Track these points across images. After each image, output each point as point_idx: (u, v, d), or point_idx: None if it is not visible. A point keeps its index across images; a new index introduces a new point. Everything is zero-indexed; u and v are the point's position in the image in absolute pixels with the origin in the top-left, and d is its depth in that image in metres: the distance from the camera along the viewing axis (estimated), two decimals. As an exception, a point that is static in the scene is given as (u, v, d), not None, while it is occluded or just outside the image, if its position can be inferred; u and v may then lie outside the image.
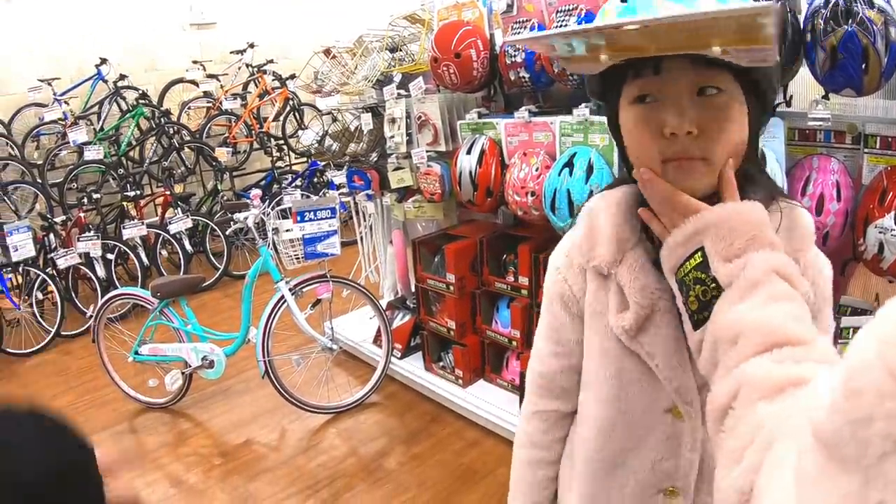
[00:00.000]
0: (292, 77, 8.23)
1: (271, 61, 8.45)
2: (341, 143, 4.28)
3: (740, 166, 0.99)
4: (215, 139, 8.21)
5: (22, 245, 5.90)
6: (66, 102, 7.51)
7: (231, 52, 8.55)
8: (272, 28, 9.12)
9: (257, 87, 8.37)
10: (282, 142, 8.31)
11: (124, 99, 7.86)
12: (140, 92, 7.82)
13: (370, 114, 4.01)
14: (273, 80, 8.38)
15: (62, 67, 7.84)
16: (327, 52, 4.31)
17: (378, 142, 4.09)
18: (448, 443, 3.80)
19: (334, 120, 4.49)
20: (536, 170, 3.09)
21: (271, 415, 4.20)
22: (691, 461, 1.16)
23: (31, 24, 7.77)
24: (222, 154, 7.29)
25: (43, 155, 7.49)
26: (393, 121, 3.76)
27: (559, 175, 2.91)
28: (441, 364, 4.10)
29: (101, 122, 7.78)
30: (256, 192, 3.66)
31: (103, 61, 7.83)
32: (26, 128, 7.62)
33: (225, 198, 7.11)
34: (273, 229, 3.61)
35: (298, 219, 3.49)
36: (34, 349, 6.01)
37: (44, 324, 6.17)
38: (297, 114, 8.43)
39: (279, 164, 7.90)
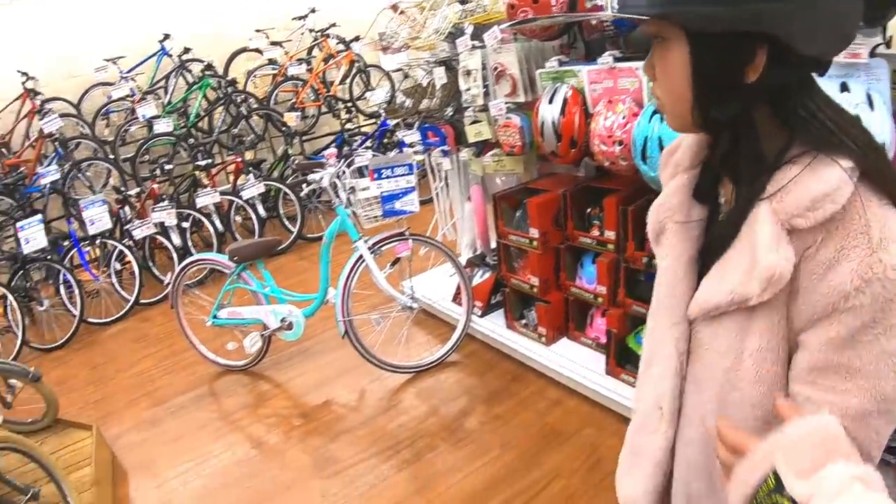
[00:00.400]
0: (356, 39, 8.10)
1: (334, 25, 8.32)
2: (414, 99, 4.15)
3: (783, 109, 0.97)
4: (282, 105, 8.14)
5: (98, 218, 5.97)
6: (132, 79, 7.56)
7: (293, 19, 8.47)
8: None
9: (321, 51, 8.27)
10: (350, 104, 8.22)
11: (190, 72, 7.89)
12: (205, 63, 7.84)
13: (443, 67, 3.86)
14: (337, 43, 8.27)
15: (127, 46, 7.88)
16: (394, 7, 4.18)
17: (452, 96, 3.95)
18: (531, 402, 3.68)
19: (406, 77, 4.36)
20: (623, 118, 2.89)
21: (351, 375, 4.15)
22: (675, 385, 1.15)
23: (94, 6, 7.83)
24: (291, 119, 7.25)
25: (113, 131, 7.57)
26: (468, 73, 3.61)
27: (649, 122, 2.72)
28: (523, 322, 3.97)
29: (168, 96, 7.83)
30: (331, 150, 3.57)
31: (166, 37, 7.86)
32: (95, 106, 7.72)
33: (296, 161, 7.06)
34: (349, 188, 3.53)
35: (375, 176, 3.39)
36: (114, 318, 6.10)
37: (122, 293, 6.26)
38: (363, 76, 8.30)
39: (348, 126, 7.83)
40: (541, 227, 3.54)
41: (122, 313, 6.13)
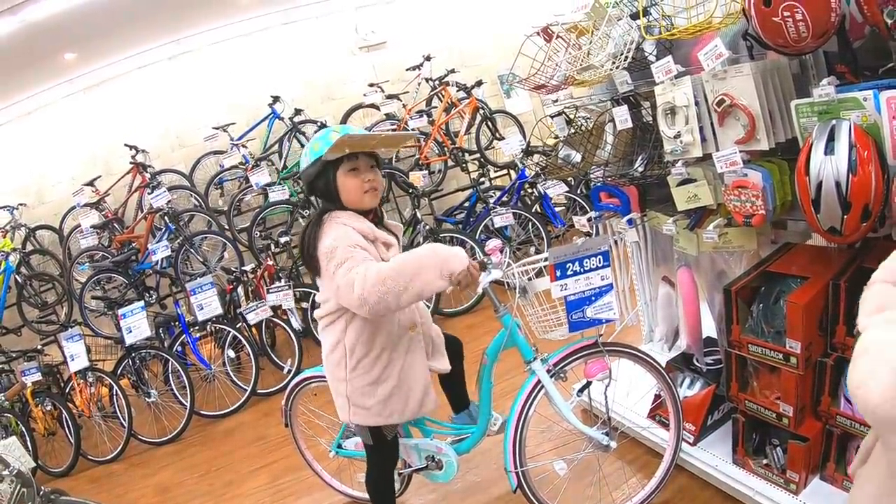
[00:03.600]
0: (478, 84, 7.07)
1: (452, 71, 7.32)
2: (583, 151, 2.99)
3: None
4: (405, 162, 7.20)
5: (207, 303, 5.12)
6: (244, 146, 6.86)
7: (407, 69, 7.56)
8: (447, 36, 8.11)
9: (441, 100, 7.28)
10: (479, 156, 7.15)
11: (304, 133, 7.08)
12: (319, 124, 7.01)
13: (625, 106, 2.70)
14: (457, 90, 7.26)
15: (236, 112, 7.29)
16: (546, 33, 3.03)
17: (639, 144, 2.78)
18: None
19: (569, 122, 3.20)
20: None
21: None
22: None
23: (203, 75, 7.30)
24: (417, 179, 6.16)
25: (228, 201, 6.83)
26: (672, 112, 2.43)
27: None
28: (763, 461, 2.67)
29: (282, 161, 7.06)
30: (495, 243, 2.42)
31: (276, 99, 7.14)
32: (208, 176, 7.07)
33: (427, 227, 6.00)
34: (519, 289, 2.37)
35: (558, 274, 2.23)
36: (229, 409, 5.20)
37: (238, 382, 5.36)
38: (489, 123, 7.24)
39: (480, 180, 6.65)
40: (804, 339, 2.26)
41: (237, 405, 5.22)
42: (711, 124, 2.35)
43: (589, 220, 3.17)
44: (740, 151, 2.27)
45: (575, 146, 3.15)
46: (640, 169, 2.75)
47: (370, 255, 2.16)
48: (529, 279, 2.39)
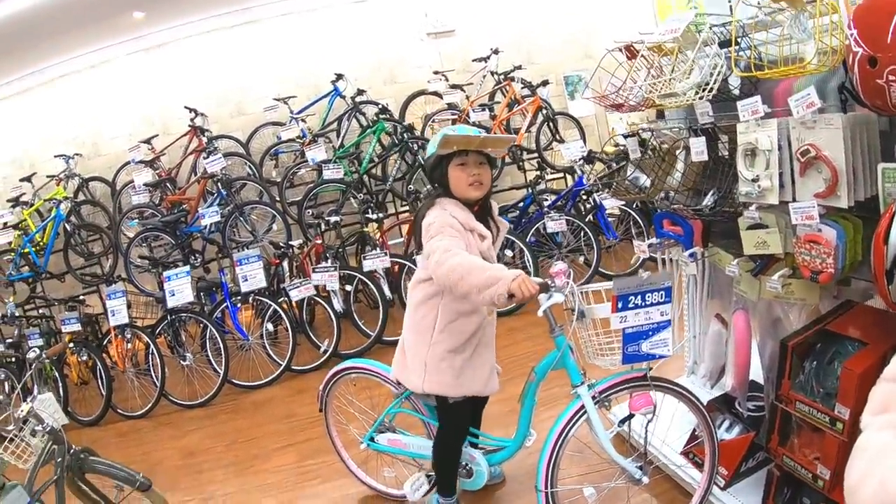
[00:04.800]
0: (544, 84, 7.05)
1: (519, 67, 7.30)
2: (654, 177, 2.96)
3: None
4: (462, 154, 7.19)
5: (252, 275, 5.22)
6: (303, 120, 6.93)
7: (473, 60, 7.52)
8: (516, 31, 8.06)
9: (505, 96, 7.26)
10: (537, 156, 7.14)
11: (363, 114, 7.13)
12: (380, 106, 7.04)
13: (703, 138, 2.66)
14: (522, 87, 7.23)
15: (299, 85, 7.35)
16: (629, 51, 3.00)
17: (713, 178, 2.75)
18: None
19: (642, 144, 3.15)
20: None
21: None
22: None
23: (268, 45, 7.37)
24: None
25: (281, 173, 6.91)
26: (752, 153, 2.40)
27: None
28: (796, 516, 2.64)
29: (340, 140, 7.11)
30: (560, 266, 2.42)
31: (339, 77, 7.18)
32: (264, 146, 7.14)
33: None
34: (577, 312, 2.37)
35: (620, 306, 2.22)
36: (262, 382, 5.30)
37: (274, 357, 5.46)
38: (550, 124, 7.21)
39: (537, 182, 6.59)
40: (854, 406, 2.21)
41: (270, 378, 5.31)
42: (791, 172, 2.31)
43: (650, 246, 3.14)
44: (819, 205, 2.22)
45: (644, 170, 3.12)
46: (710, 204, 2.72)
47: (461, 240, 2.47)
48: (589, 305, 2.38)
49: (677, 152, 3.05)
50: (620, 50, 2.97)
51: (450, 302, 2.61)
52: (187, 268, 5.17)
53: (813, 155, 2.20)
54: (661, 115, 3.37)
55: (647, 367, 2.48)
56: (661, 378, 2.55)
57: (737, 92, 2.57)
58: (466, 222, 2.55)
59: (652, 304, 2.27)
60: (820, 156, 2.19)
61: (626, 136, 3.17)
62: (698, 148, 2.67)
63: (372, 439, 3.15)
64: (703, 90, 2.51)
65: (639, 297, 2.25)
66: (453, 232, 2.46)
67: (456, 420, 2.78)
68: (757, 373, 2.96)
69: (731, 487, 2.88)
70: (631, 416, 2.57)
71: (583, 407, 2.46)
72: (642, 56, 2.89)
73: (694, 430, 3.03)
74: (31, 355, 3.14)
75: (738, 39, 2.48)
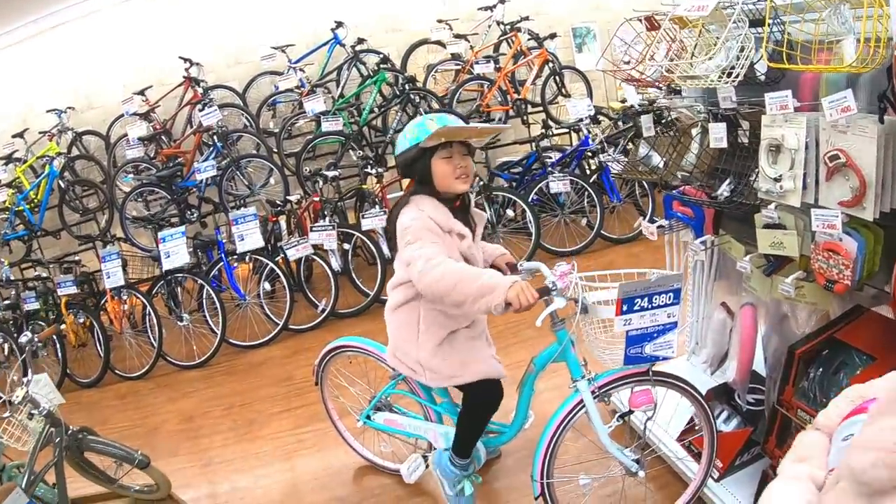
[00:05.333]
0: (552, 36, 6.86)
1: (526, 18, 7.06)
2: (668, 157, 2.85)
3: None
4: (465, 106, 7.02)
5: (249, 235, 5.14)
6: (301, 69, 6.74)
7: (479, 9, 7.28)
8: (524, -21, 7.76)
9: (511, 47, 7.06)
10: (540, 110, 6.99)
11: (364, 64, 6.92)
12: (381, 56, 6.84)
13: (723, 124, 2.55)
14: (528, 39, 7.03)
15: (297, 33, 7.10)
16: (650, 21, 2.85)
17: (730, 165, 2.63)
18: None
19: (659, 122, 3.02)
20: None
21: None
22: None
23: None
24: None
25: (279, 124, 6.75)
26: (776, 150, 2.29)
27: None
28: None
29: (339, 90, 6.92)
30: (564, 267, 2.33)
31: (339, 24, 6.95)
32: (262, 96, 6.96)
33: (480, 182, 5.88)
34: (581, 307, 2.28)
35: (624, 309, 2.14)
36: (259, 342, 5.29)
37: (271, 316, 5.43)
38: (556, 78, 7.04)
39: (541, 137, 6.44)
40: None
41: (267, 338, 5.30)
42: (816, 173, 2.19)
43: (659, 227, 3.05)
44: (843, 213, 2.11)
45: (656, 147, 3.01)
46: (726, 193, 2.62)
47: (441, 245, 2.34)
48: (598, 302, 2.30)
49: (693, 132, 2.95)
50: (640, 20, 2.83)
51: (432, 313, 2.52)
52: (182, 228, 5.09)
53: (843, 161, 2.07)
54: (673, 90, 3.23)
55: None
56: (663, 373, 2.50)
57: (762, 77, 2.42)
58: (445, 223, 2.41)
59: (659, 307, 2.21)
60: (851, 164, 2.06)
61: (639, 113, 3.05)
62: (718, 134, 2.56)
63: (368, 417, 3.13)
64: (728, 75, 2.37)
65: (645, 299, 2.18)
66: (432, 237, 2.33)
67: (485, 395, 2.63)
68: (758, 364, 2.92)
69: (726, 479, 2.87)
70: (630, 412, 2.53)
71: (582, 401, 2.42)
72: (662, 29, 2.74)
73: (691, 419, 3.00)
74: (22, 339, 3.11)
75: (770, 21, 2.31)
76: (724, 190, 2.66)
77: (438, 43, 7.15)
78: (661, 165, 2.94)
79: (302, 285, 5.61)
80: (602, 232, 6.10)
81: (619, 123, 6.32)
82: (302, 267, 5.68)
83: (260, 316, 5.43)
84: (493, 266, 2.77)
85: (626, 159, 3.23)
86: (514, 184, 6.45)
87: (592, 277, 2.44)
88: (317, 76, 7.01)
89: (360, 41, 6.95)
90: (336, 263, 5.53)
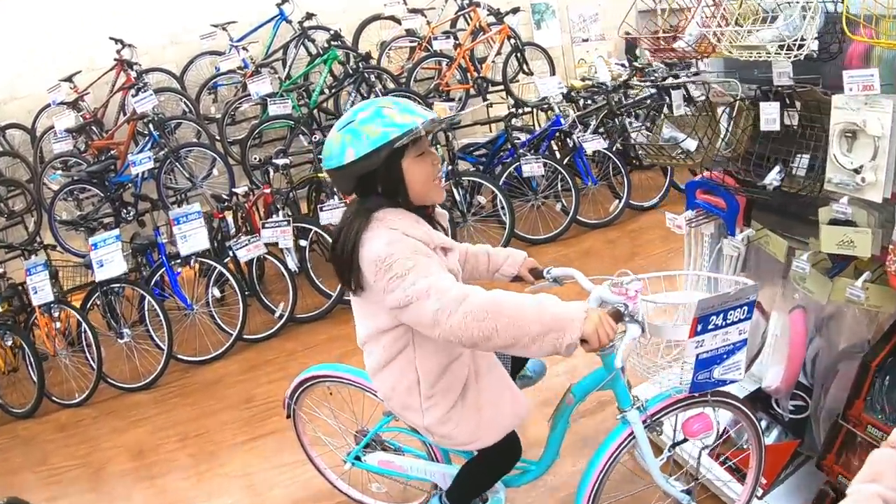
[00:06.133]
0: (514, 11, 6.49)
1: (485, -9, 6.69)
2: (709, 141, 2.41)
3: None
4: (423, 85, 6.65)
5: (192, 235, 4.59)
6: (244, 49, 6.33)
7: (434, -18, 6.88)
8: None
9: (469, 23, 6.68)
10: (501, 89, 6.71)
11: (313, 41, 6.54)
12: (332, 32, 6.38)
13: (777, 104, 2.15)
14: (487, 14, 6.66)
15: (239, 9, 6.61)
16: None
17: (776, 149, 2.24)
18: None
19: (688, 99, 2.59)
20: None
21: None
22: None
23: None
24: (443, 111, 5.49)
25: (221, 109, 6.26)
26: (852, 136, 1.90)
27: None
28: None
29: (286, 70, 6.52)
30: (637, 286, 1.86)
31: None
32: (201, 79, 6.48)
33: (450, 167, 5.43)
34: (642, 327, 1.83)
35: (699, 329, 1.72)
36: (212, 355, 4.74)
37: (223, 325, 4.88)
38: (518, 55, 6.75)
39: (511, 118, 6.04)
40: None
41: (220, 350, 4.76)
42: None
43: (689, 221, 2.66)
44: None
45: (682, 128, 2.60)
46: (776, 183, 2.23)
47: (443, 267, 1.80)
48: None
49: (719, 110, 2.55)
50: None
51: (430, 355, 1.92)
52: (116, 232, 4.48)
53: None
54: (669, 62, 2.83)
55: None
56: (723, 392, 2.12)
57: (814, 51, 2.02)
58: (429, 239, 1.83)
59: (732, 323, 1.80)
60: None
61: (672, 88, 2.62)
62: (771, 115, 2.18)
63: (358, 458, 2.66)
64: (789, 48, 1.97)
65: (720, 315, 1.77)
66: (430, 263, 1.75)
67: (501, 456, 2.17)
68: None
69: (769, 495, 2.57)
70: (682, 440, 2.14)
71: (632, 433, 2.02)
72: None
73: (724, 431, 2.67)
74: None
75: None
76: (773, 178, 2.27)
77: (392, 18, 6.79)
78: (691, 149, 2.52)
79: (255, 289, 5.07)
80: (578, 217, 5.74)
81: (591, 102, 6.17)
82: (254, 267, 5.13)
83: (210, 326, 4.88)
84: (517, 278, 2.29)
85: (647, 142, 2.79)
86: (480, 167, 6.01)
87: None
88: (261, 56, 6.62)
89: (309, 16, 6.53)
90: (292, 262, 5.01)
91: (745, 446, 2.52)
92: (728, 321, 1.80)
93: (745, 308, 1.82)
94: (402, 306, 1.71)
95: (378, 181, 1.85)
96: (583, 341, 1.62)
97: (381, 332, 1.94)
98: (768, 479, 2.57)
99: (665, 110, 2.75)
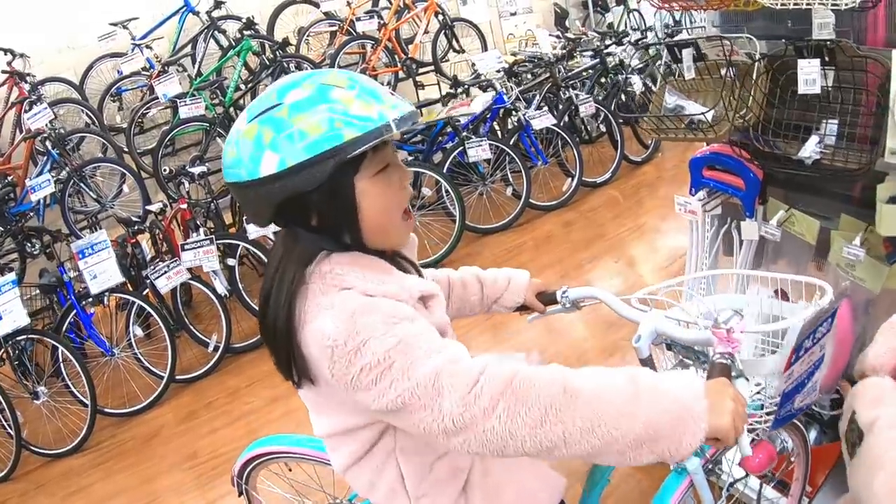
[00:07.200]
0: (442, -15, 6.06)
1: (406, -35, 6.31)
2: (733, 109, 1.93)
3: None
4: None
5: (102, 270, 3.96)
6: (148, 47, 5.80)
7: (351, -42, 6.49)
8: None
9: (393, 2, 6.29)
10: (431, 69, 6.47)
11: (224, 32, 6.10)
12: (243, 21, 5.90)
13: (818, 60, 1.68)
14: (412, -10, 6.24)
15: (140, 4, 6.06)
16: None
17: (810, 115, 1.81)
18: None
19: (698, 58, 2.09)
20: None
21: None
22: None
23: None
24: None
25: (127, 117, 5.73)
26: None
27: None
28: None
29: (196, 67, 6.03)
30: (734, 322, 1.32)
31: (190, -11, 6.04)
32: (103, 86, 5.94)
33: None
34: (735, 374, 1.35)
35: (795, 357, 1.25)
36: (143, 405, 4.13)
37: (151, 367, 4.26)
38: (447, 32, 6.55)
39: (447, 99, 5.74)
40: None
41: (153, 397, 4.15)
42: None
43: (704, 205, 2.24)
44: None
45: (690, 93, 2.16)
46: (815, 156, 1.79)
47: (438, 335, 1.16)
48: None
49: (723, 71, 2.12)
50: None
51: (416, 441, 1.29)
52: (11, 276, 3.81)
53: None
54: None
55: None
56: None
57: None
58: (408, 293, 1.21)
59: (817, 340, 1.38)
60: None
61: (682, 45, 2.16)
62: (810, 74, 1.77)
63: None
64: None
65: (810, 337, 1.32)
66: (420, 332, 1.13)
67: None
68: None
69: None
70: (746, 475, 1.74)
71: (692, 483, 1.64)
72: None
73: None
74: None
75: None
76: (812, 151, 1.83)
77: (309, 2, 6.38)
78: (706, 118, 2.05)
79: (183, 321, 4.45)
80: (531, 200, 5.32)
81: (529, 76, 5.98)
82: (179, 294, 4.51)
83: (136, 370, 4.26)
84: (522, 307, 1.75)
85: (637, 113, 2.35)
86: (419, 156, 5.51)
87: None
88: (168, 53, 6.07)
89: (217, 6, 6.06)
90: (221, 286, 4.40)
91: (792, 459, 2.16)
92: (816, 340, 1.36)
93: (830, 320, 1.39)
94: (391, 410, 1.10)
95: (313, 209, 1.18)
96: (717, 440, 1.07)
97: (349, 430, 1.31)
98: (814, 485, 2.31)
99: (656, 72, 2.28)
